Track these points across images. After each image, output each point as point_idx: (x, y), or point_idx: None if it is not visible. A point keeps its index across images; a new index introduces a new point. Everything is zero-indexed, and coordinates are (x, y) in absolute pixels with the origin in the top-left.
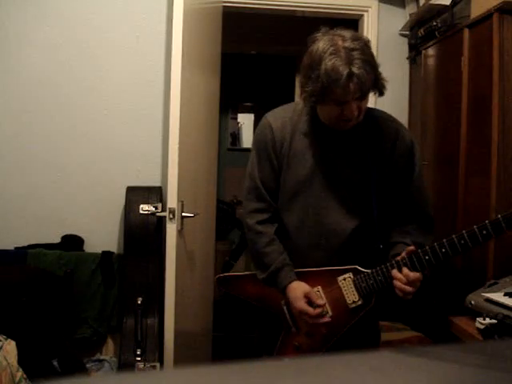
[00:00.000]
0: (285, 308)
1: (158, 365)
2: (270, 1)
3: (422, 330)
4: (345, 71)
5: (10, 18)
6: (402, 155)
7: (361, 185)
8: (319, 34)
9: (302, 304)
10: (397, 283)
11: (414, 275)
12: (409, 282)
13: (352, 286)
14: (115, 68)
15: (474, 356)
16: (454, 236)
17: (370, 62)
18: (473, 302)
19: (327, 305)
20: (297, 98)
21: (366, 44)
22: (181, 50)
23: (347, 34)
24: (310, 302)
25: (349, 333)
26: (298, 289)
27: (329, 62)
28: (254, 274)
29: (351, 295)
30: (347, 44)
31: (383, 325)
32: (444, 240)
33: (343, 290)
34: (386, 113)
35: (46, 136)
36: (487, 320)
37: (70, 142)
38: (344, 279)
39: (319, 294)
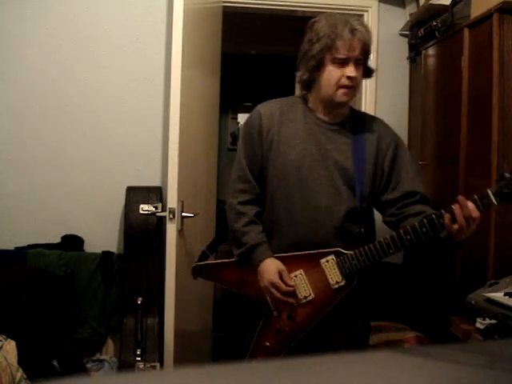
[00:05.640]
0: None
1: (158, 365)
2: (270, 1)
3: (422, 330)
4: (347, 26)
5: (9, 18)
6: (388, 148)
7: (347, 170)
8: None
9: (274, 277)
10: (455, 208)
11: (475, 211)
12: (466, 217)
13: (335, 267)
14: (115, 68)
15: (474, 356)
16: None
17: (369, 34)
18: (473, 302)
19: (309, 287)
20: None
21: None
22: (181, 49)
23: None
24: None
25: (335, 324)
26: (272, 264)
27: (332, 22)
28: (231, 260)
29: (334, 276)
30: (347, 17)
31: (383, 325)
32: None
33: (326, 271)
34: (371, 115)
35: (46, 136)
36: (487, 320)
37: (69, 142)
38: (327, 261)
39: (301, 277)
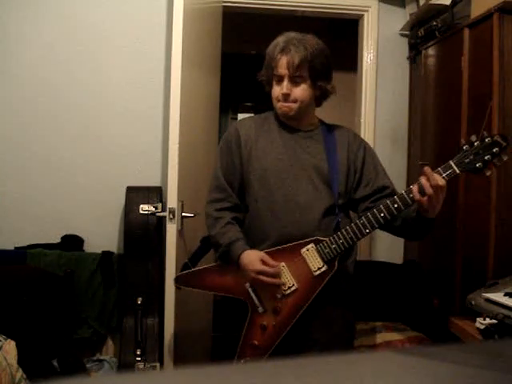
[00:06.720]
0: (250, 289)
1: (157, 365)
2: (270, 1)
3: (422, 330)
4: (281, 45)
5: (9, 17)
6: (358, 150)
7: (323, 170)
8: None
9: (258, 265)
10: (422, 179)
11: (441, 180)
12: (433, 185)
13: (316, 254)
14: (115, 68)
15: (474, 356)
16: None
17: (313, 54)
18: (473, 302)
19: (292, 277)
20: None
21: (321, 46)
22: (181, 50)
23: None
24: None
25: (318, 319)
26: (252, 254)
27: (274, 42)
28: (213, 265)
29: (316, 263)
30: (299, 35)
31: (383, 325)
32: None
33: (307, 259)
34: (340, 125)
35: (46, 136)
36: (487, 320)
37: (69, 142)
38: (307, 250)
39: (284, 269)
